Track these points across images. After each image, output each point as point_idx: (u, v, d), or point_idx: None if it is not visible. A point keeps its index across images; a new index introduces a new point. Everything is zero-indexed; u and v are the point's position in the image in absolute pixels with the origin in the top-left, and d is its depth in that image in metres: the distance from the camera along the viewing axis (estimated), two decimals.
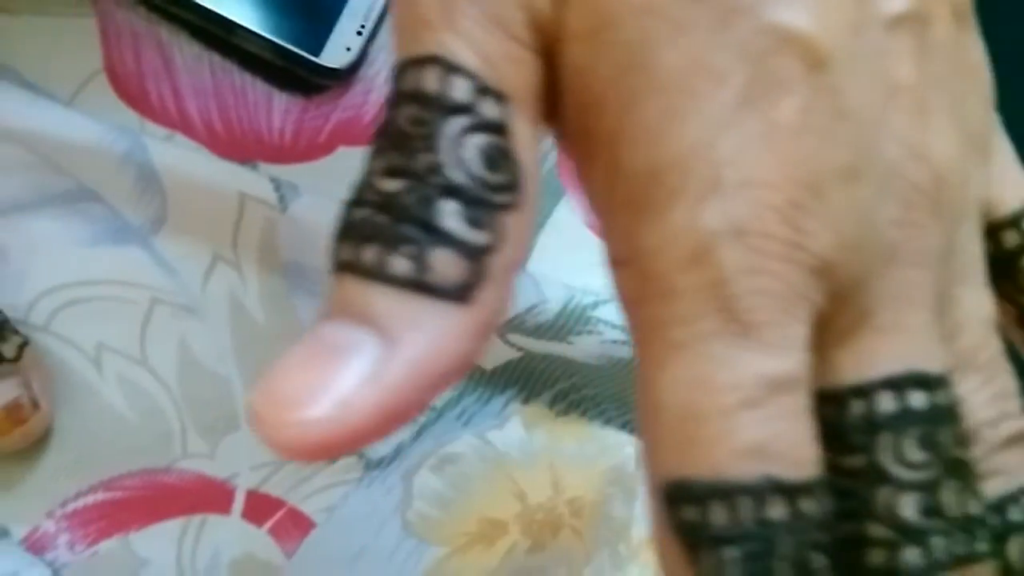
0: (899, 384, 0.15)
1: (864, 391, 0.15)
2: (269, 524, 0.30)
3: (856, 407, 0.15)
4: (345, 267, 0.14)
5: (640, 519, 0.34)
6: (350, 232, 0.14)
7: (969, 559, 0.15)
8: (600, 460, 0.34)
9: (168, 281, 0.30)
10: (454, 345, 0.13)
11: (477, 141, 0.14)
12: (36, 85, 0.28)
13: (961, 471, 0.15)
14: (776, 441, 0.14)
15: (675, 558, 0.14)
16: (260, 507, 0.30)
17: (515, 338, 0.32)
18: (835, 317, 0.15)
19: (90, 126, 0.28)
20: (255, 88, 0.30)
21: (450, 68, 0.14)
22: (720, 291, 0.14)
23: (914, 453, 0.15)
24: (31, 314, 0.29)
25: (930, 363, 0.15)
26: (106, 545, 0.29)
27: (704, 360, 0.14)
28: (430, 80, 0.14)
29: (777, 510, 0.14)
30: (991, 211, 0.19)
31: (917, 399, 0.15)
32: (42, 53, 0.29)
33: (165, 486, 0.30)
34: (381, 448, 0.31)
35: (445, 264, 0.13)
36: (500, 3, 0.15)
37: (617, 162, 0.15)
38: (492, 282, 0.14)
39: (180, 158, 0.29)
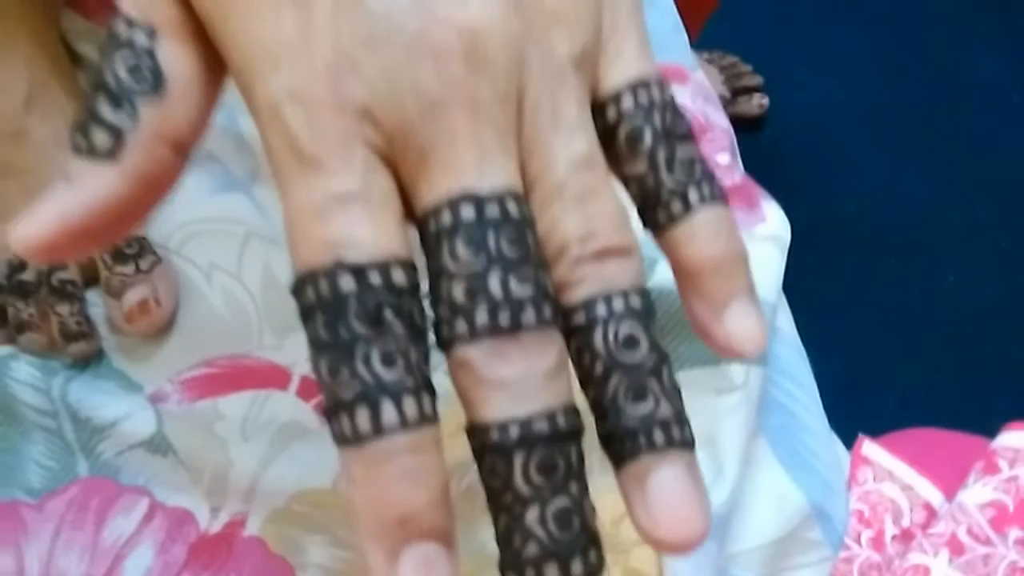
0: (453, 202, 0.18)
1: (433, 211, 0.19)
2: (314, 401, 0.40)
3: (431, 224, 0.19)
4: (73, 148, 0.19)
5: None
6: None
7: (515, 328, 0.18)
8: None
9: (260, 219, 0.42)
10: (110, 188, 0.19)
11: (124, 58, 0.19)
12: None
13: (512, 262, 0.18)
14: (346, 237, 0.18)
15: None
16: (310, 388, 0.40)
17: None
18: (406, 156, 0.19)
19: None
20: None
21: (124, 18, 0.19)
22: (289, 140, 0.18)
23: (463, 251, 0.18)
24: (170, 241, 0.42)
25: (481, 185, 0.18)
26: (201, 403, 0.39)
27: (295, 191, 0.18)
28: (117, 25, 0.19)
29: (346, 283, 0.18)
30: (600, 89, 0.21)
31: (467, 211, 0.18)
32: None
33: (246, 367, 0.40)
34: None
35: (98, 136, 0.19)
36: None
37: (226, 57, 0.20)
38: (136, 146, 0.19)
39: None
